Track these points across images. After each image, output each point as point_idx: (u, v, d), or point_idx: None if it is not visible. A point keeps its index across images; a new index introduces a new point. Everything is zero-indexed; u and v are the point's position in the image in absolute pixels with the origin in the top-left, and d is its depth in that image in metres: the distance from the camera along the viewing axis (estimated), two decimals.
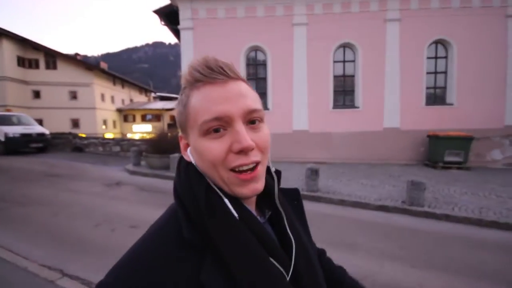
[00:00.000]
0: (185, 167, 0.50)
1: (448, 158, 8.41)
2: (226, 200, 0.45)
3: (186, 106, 0.47)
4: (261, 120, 0.48)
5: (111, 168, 8.55)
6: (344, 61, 10.18)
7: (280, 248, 0.48)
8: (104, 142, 11.13)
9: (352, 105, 10.10)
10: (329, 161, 9.60)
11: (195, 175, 0.48)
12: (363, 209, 4.88)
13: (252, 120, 0.46)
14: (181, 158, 0.53)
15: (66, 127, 22.11)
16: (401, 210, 4.65)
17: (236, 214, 0.45)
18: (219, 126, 0.44)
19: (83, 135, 15.06)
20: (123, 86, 31.19)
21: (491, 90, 9.37)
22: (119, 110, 29.05)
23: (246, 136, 0.44)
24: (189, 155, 0.49)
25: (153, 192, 5.89)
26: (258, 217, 0.50)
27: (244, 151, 0.44)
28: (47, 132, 11.79)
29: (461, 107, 9.52)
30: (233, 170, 0.45)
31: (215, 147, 0.44)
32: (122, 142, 10.68)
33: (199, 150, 0.46)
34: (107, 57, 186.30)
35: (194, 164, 0.48)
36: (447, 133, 8.54)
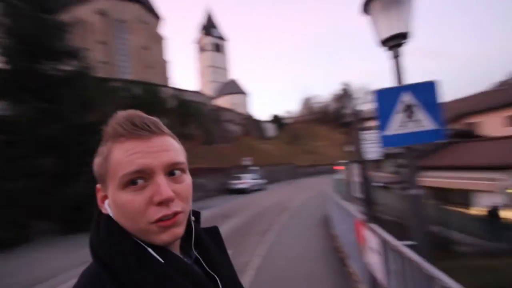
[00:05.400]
0: (106, 222, 0.48)
1: None
2: (150, 250, 0.46)
3: (107, 158, 0.47)
4: (183, 171, 0.50)
5: None
6: None
7: (211, 285, 0.51)
8: None
9: None
10: None
11: (118, 230, 0.47)
12: None
13: (172, 171, 0.48)
14: (100, 213, 0.51)
15: None
16: None
17: (162, 260, 0.45)
18: (139, 177, 0.45)
19: None
20: None
21: None
22: None
23: (166, 188, 0.45)
24: (107, 208, 0.49)
25: None
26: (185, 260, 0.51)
27: (164, 203, 0.45)
28: None
29: None
30: (154, 222, 0.45)
31: (136, 199, 0.45)
32: None
33: (118, 203, 0.46)
34: None
35: (112, 217, 0.48)
36: None
